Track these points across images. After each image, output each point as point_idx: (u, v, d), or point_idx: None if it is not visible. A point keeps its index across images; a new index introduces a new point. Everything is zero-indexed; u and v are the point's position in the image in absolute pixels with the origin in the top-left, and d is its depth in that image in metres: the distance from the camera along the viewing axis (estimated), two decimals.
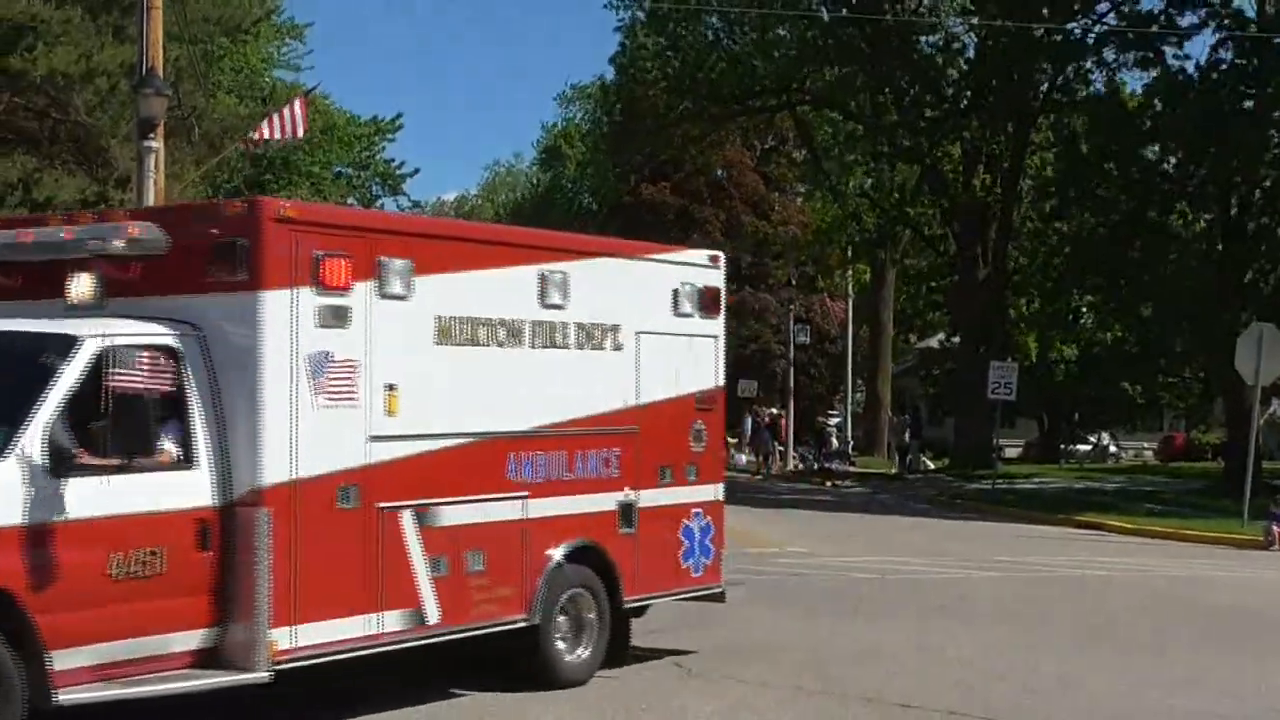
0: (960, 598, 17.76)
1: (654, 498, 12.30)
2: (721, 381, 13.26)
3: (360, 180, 62.72)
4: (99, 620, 8.59)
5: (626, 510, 12.04)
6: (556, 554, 11.35)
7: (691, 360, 12.78)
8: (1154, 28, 38.03)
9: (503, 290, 11.00)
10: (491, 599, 10.84)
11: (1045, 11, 39.95)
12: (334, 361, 9.67)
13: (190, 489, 9.13)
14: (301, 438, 9.43)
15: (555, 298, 11.37)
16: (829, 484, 42.41)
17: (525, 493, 11.12)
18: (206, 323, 9.41)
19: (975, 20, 43.54)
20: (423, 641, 10.37)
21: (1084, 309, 49.47)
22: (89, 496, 8.64)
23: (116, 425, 8.61)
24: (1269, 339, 27.58)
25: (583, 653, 11.71)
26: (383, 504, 9.97)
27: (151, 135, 20.96)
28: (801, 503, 34.86)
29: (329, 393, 9.64)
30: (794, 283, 56.66)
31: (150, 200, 20.23)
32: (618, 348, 11.99)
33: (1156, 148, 37.73)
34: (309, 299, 9.50)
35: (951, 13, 45.56)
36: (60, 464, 8.54)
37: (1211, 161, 35.34)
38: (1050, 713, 11.41)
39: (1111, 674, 12.96)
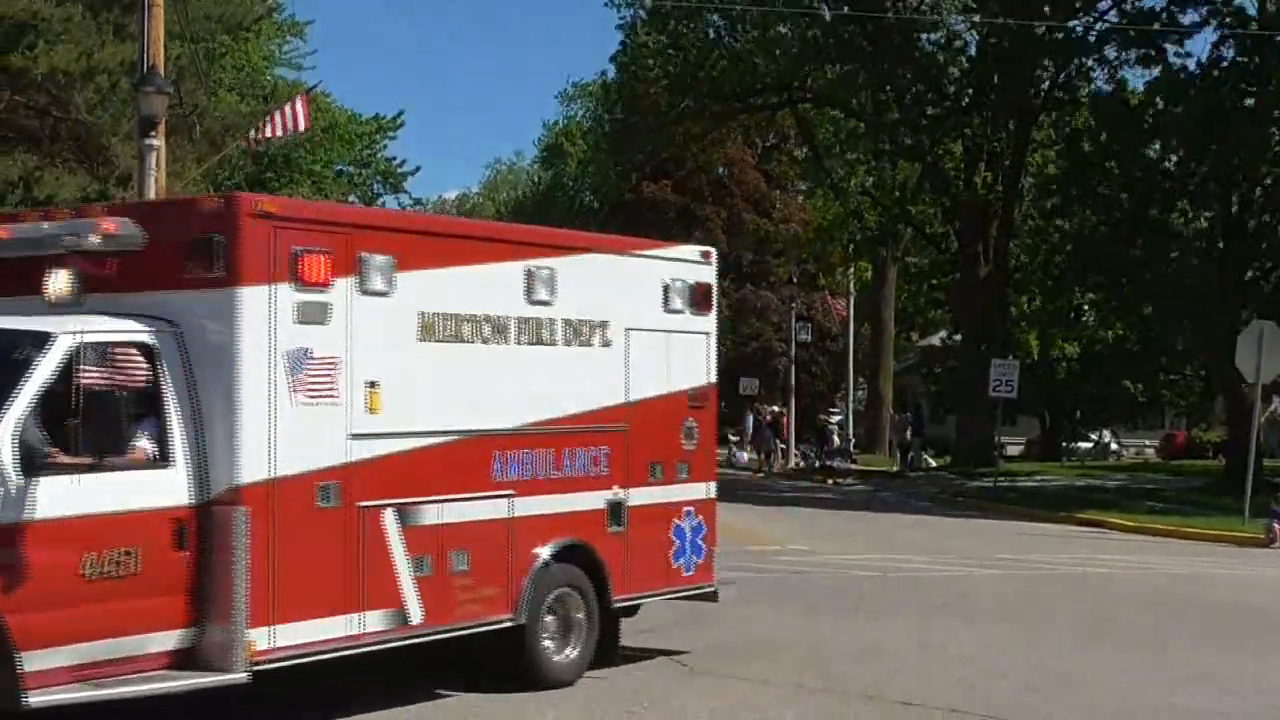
0: (962, 595, 17.73)
1: (644, 496, 12.16)
2: (714, 378, 13.12)
3: (362, 178, 62.64)
4: (72, 621, 8.47)
5: (616, 509, 11.90)
6: (543, 553, 11.21)
7: (683, 357, 12.64)
8: (1155, 25, 37.87)
9: (488, 286, 10.86)
10: (476, 599, 10.71)
11: (1047, 9, 39.83)
12: (314, 358, 9.54)
13: (166, 488, 9.00)
14: (280, 436, 9.31)
15: (542, 294, 11.24)
16: (830, 482, 42.34)
17: (511, 491, 10.98)
18: (184, 319, 9.29)
19: (977, 18, 43.40)
20: (406, 642, 10.25)
21: (1085, 307, 49.37)
22: (61, 495, 8.52)
23: (88, 423, 8.50)
24: (1269, 337, 27.56)
25: (571, 653, 11.57)
26: (364, 503, 9.84)
27: (153, 133, 20.88)
28: (803, 500, 34.77)
29: (308, 390, 9.52)
30: (795, 280, 56.56)
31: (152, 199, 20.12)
32: (606, 344, 11.85)
33: (1158, 145, 37.56)
34: (287, 295, 9.38)
35: (953, 10, 45.46)
36: (31, 462, 8.43)
37: (1212, 159, 35.24)
38: (1052, 710, 11.37)
39: (1113, 671, 12.92)
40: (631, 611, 12.71)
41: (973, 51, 45.08)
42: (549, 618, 11.39)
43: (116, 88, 30.29)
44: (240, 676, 9.05)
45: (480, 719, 10.59)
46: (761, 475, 45.68)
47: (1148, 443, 60.42)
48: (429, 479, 10.35)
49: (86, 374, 8.71)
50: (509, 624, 10.97)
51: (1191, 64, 37.58)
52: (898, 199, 48.31)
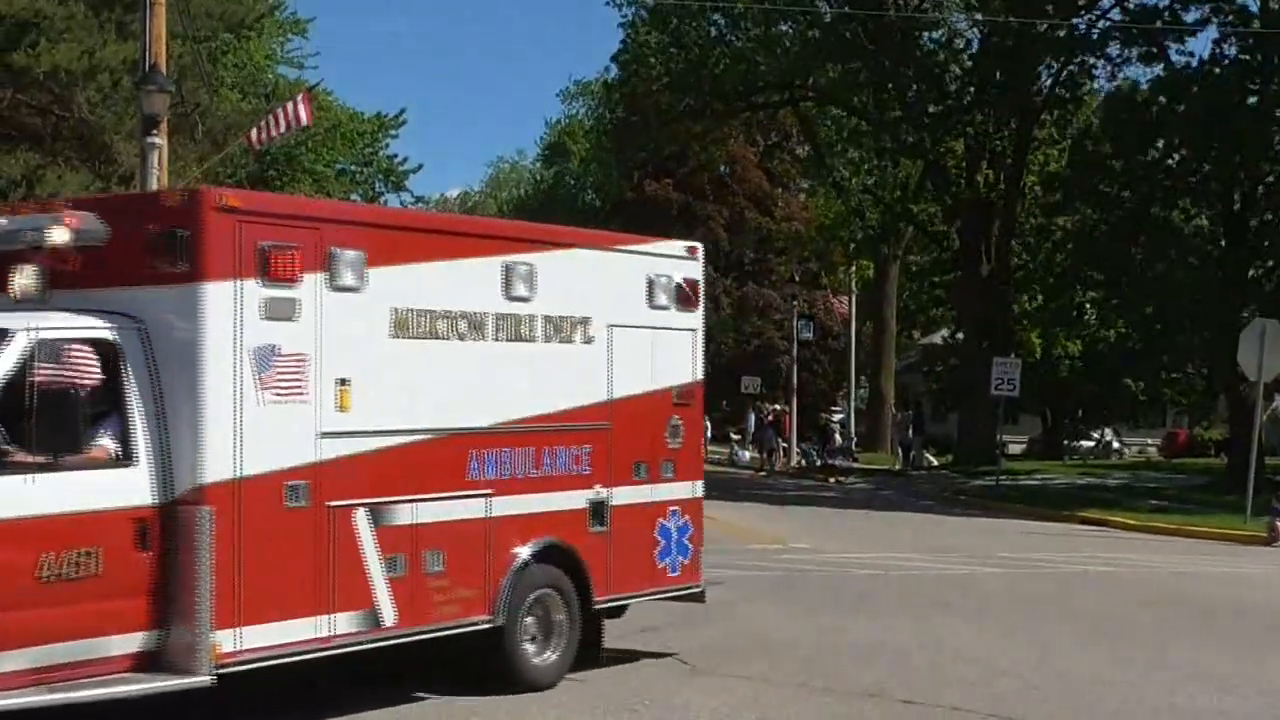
0: (963, 594, 17.70)
1: (628, 495, 11.97)
2: (700, 376, 12.93)
3: (364, 177, 62.48)
4: (30, 623, 8.28)
5: (598, 508, 11.71)
6: (522, 553, 11.02)
7: (668, 354, 12.44)
8: (1158, 23, 37.70)
9: (464, 282, 10.68)
10: (453, 600, 10.52)
11: (1049, 8, 39.71)
12: (281, 355, 9.36)
13: (128, 487, 8.82)
14: (246, 434, 9.13)
15: (521, 289, 11.04)
16: (832, 480, 42.24)
17: (489, 490, 10.79)
18: (148, 315, 9.12)
19: (978, 16, 43.26)
20: (379, 644, 10.06)
21: (1087, 305, 49.29)
22: (15, 495, 8.33)
23: (45, 421, 8.33)
24: (1271, 335, 27.57)
25: (551, 655, 11.38)
26: (335, 503, 9.65)
27: (155, 132, 20.85)
28: (805, 499, 34.74)
29: (276, 388, 9.34)
30: (797, 279, 56.50)
31: None
32: (588, 341, 11.66)
33: (1160, 144, 37.40)
34: (254, 291, 9.20)
35: (955, 8, 45.30)
36: None
37: (1215, 157, 35.07)
38: (1053, 709, 11.33)
39: (1114, 670, 12.89)
40: (618, 612, 12.54)
41: (974, 49, 44.96)
42: (529, 619, 11.19)
43: (119, 86, 30.25)
44: (204, 679, 8.86)
45: (483, 716, 10.49)
46: (763, 474, 45.62)
47: (1150, 441, 60.44)
48: (403, 478, 10.16)
49: (43, 371, 8.54)
50: (487, 625, 10.78)
51: (1194, 62, 37.46)
52: (899, 197, 48.26)
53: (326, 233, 9.71)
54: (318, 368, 9.59)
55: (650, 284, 12.29)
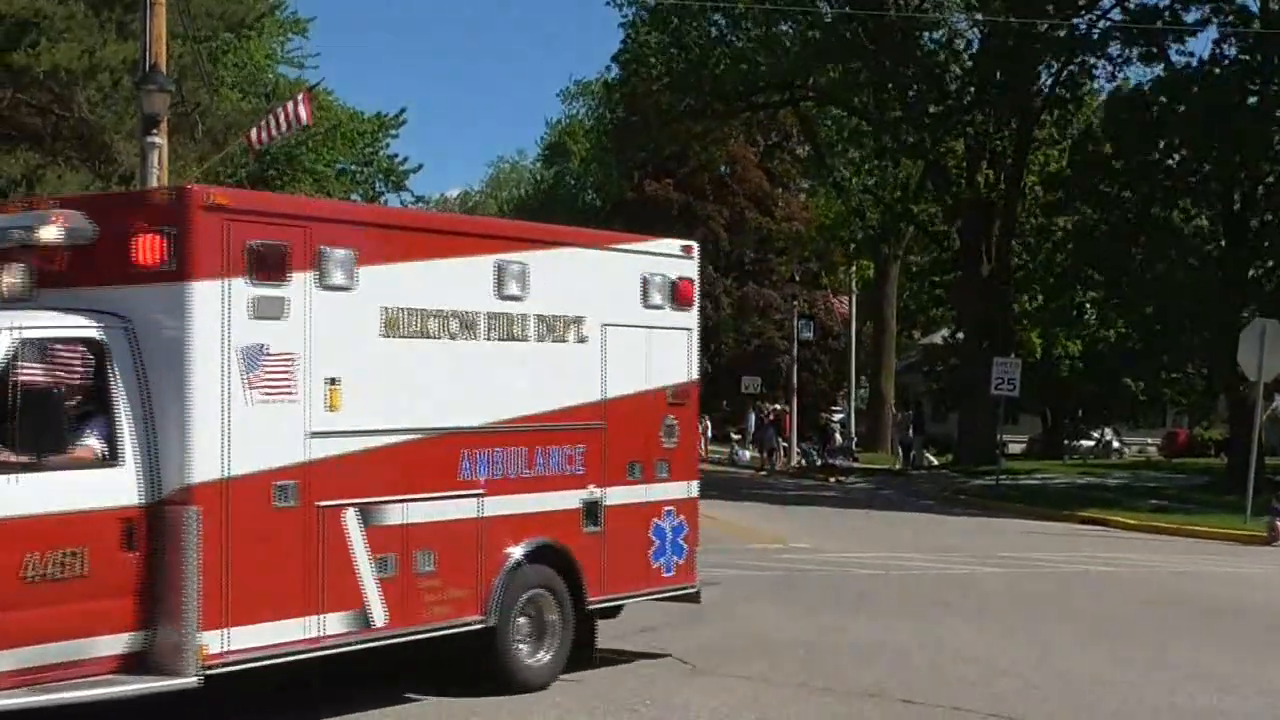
0: (964, 593, 17.70)
1: (622, 495, 11.90)
2: (696, 375, 12.89)
3: (364, 176, 62.44)
4: (14, 624, 8.21)
5: (592, 508, 11.64)
6: (515, 554, 10.95)
7: (663, 353, 12.38)
8: (1158, 23, 37.65)
9: (456, 281, 10.60)
10: (444, 600, 10.45)
11: (1050, 7, 39.68)
12: (270, 355, 9.29)
13: (114, 487, 8.75)
14: (234, 434, 9.06)
15: (513, 289, 10.97)
16: (833, 480, 42.21)
17: (481, 490, 10.72)
18: (136, 315, 9.05)
19: (979, 16, 43.20)
20: (369, 645, 9.98)
21: (1087, 305, 49.28)
22: (0, 495, 8.29)
23: (29, 421, 8.27)
24: (1271, 335, 27.55)
25: (544, 656, 11.31)
26: (324, 502, 9.58)
27: (155, 131, 20.82)
28: (805, 499, 34.74)
29: (264, 387, 9.27)
30: (798, 279, 56.51)
31: None
32: (582, 340, 11.59)
33: (1161, 144, 37.34)
34: (242, 290, 9.13)
35: (955, 8, 45.23)
36: None
37: (1215, 157, 35.03)
38: (1053, 708, 11.31)
39: (1114, 669, 12.88)
40: (613, 613, 12.48)
41: (975, 49, 44.90)
42: (521, 619, 11.12)
43: (119, 86, 30.25)
44: (191, 681, 8.79)
45: (483, 717, 10.45)
46: (764, 473, 45.61)
47: (1150, 441, 60.43)
48: (393, 478, 10.09)
49: (28, 370, 8.49)
50: (479, 626, 10.71)
51: (1193, 62, 37.41)
52: (900, 197, 48.18)
53: (316, 231, 9.63)
54: (307, 367, 9.52)
55: (645, 283, 12.22)
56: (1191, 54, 38.06)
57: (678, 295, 12.55)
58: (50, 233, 9.15)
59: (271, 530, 9.30)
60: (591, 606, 11.73)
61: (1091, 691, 11.89)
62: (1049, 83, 43.43)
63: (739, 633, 14.20)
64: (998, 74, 42.44)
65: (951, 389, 51.70)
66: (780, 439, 48.35)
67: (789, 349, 53.25)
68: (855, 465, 45.79)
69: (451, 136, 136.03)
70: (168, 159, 22.13)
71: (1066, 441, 56.47)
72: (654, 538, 12.34)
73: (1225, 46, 36.39)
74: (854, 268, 56.08)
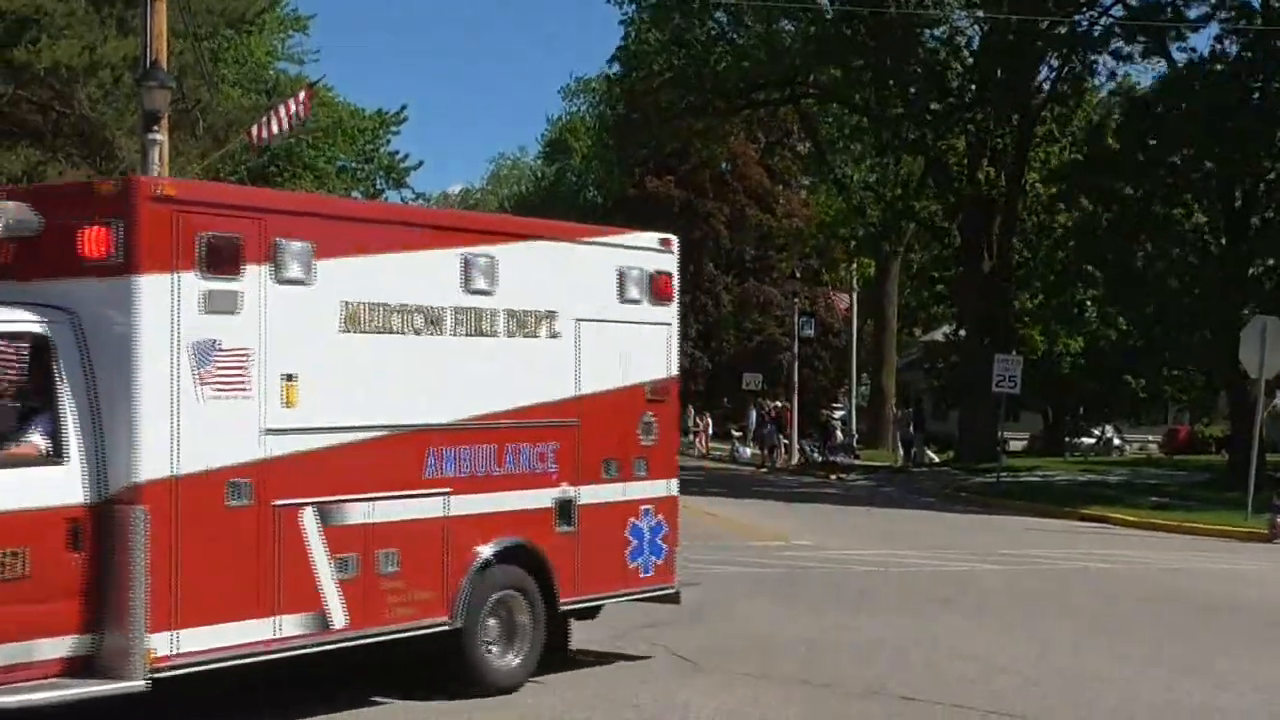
0: (963, 591, 17.67)
1: (597, 494, 11.66)
2: (675, 372, 12.61)
3: (365, 173, 62.27)
4: None
5: (565, 507, 11.40)
6: (484, 554, 10.71)
7: (640, 349, 12.12)
8: (1160, 21, 37.44)
9: (420, 275, 10.37)
10: (408, 601, 10.21)
11: (1050, 4, 39.50)
12: (222, 350, 9.07)
13: (59, 486, 8.52)
14: (184, 431, 8.83)
15: (481, 283, 10.73)
16: (833, 477, 42.18)
17: (447, 489, 10.49)
18: (83, 308, 8.83)
19: (980, 13, 43.01)
20: (329, 647, 9.75)
21: (1088, 303, 49.18)
22: None
23: None
24: (1273, 332, 27.58)
25: (514, 659, 11.06)
26: (280, 501, 9.36)
27: (156, 128, 20.70)
28: (806, 496, 34.75)
29: (217, 383, 9.04)
30: (798, 276, 56.42)
31: None
32: (554, 336, 11.35)
33: (1163, 142, 37.16)
34: (192, 284, 8.90)
35: (956, 5, 45.04)
36: None
37: (1217, 155, 34.90)
38: (1052, 705, 11.28)
39: (1113, 666, 12.87)
40: (591, 614, 12.28)
41: (976, 46, 44.70)
42: (491, 621, 10.88)
43: (120, 82, 30.18)
44: (138, 684, 8.56)
45: (485, 712, 10.34)
46: (765, 471, 45.65)
47: (1150, 438, 60.51)
48: (354, 476, 9.85)
49: None
50: (445, 627, 10.49)
51: (1196, 59, 37.25)
52: (900, 194, 48.02)
53: (271, 223, 9.40)
54: (262, 363, 9.29)
55: (621, 277, 11.98)
56: (1194, 49, 37.99)
57: (656, 289, 12.28)
58: None
59: (224, 530, 9.07)
60: (565, 608, 11.51)
61: (1090, 688, 11.86)
62: (1050, 80, 43.33)
63: (740, 630, 14.17)
64: (999, 71, 42.30)
65: (952, 386, 51.63)
66: (781, 436, 48.31)
67: (790, 346, 53.18)
68: (856, 462, 45.82)
69: (452, 134, 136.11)
70: (169, 156, 22.05)
71: (1067, 439, 56.54)
72: (631, 537, 12.09)
73: (1226, 44, 36.31)
74: (855, 265, 55.94)
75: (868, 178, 51.84)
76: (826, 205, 56.74)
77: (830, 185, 52.55)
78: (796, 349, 51.77)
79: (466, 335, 10.67)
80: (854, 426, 52.05)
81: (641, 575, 12.19)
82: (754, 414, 50.91)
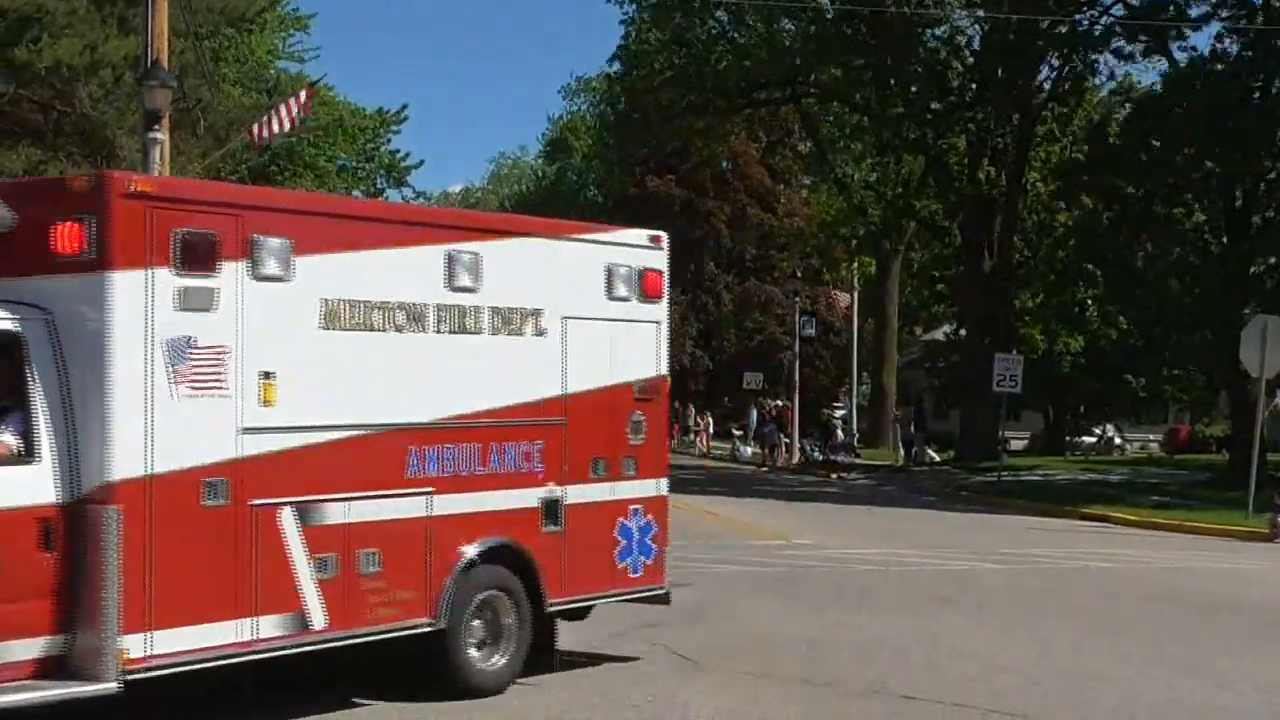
0: (964, 590, 17.68)
1: (584, 493, 11.53)
2: (664, 370, 12.48)
3: (365, 172, 62.22)
4: None
5: (551, 507, 11.27)
6: (467, 554, 10.56)
7: (629, 347, 11.98)
8: (1154, 20, 37.34)
9: (403, 272, 10.23)
10: (390, 602, 10.08)
11: (1051, 3, 39.37)
12: (198, 348, 8.94)
13: (30, 485, 8.39)
14: (158, 430, 8.70)
15: (465, 280, 10.60)
16: (834, 476, 42.11)
17: (429, 488, 10.35)
18: (56, 306, 8.72)
19: (980, 12, 42.91)
20: (309, 648, 9.62)
21: (1089, 302, 49.12)
22: None
23: None
24: (1273, 331, 27.61)
25: (499, 660, 10.93)
26: (257, 501, 9.23)
27: (157, 127, 20.69)
28: (807, 495, 34.79)
29: (192, 381, 8.91)
30: (799, 275, 56.40)
31: None
32: (540, 333, 11.22)
33: (1164, 141, 37.08)
34: (167, 280, 8.78)
35: (956, 5, 44.94)
36: None
37: (1218, 154, 34.85)
38: (1053, 705, 11.28)
39: (1114, 665, 12.89)
40: (582, 614, 12.16)
41: (976, 46, 44.61)
42: (476, 622, 10.75)
43: (121, 81, 30.20)
44: (110, 686, 8.43)
45: (485, 712, 10.31)
46: (765, 470, 45.65)
47: (1151, 437, 60.58)
48: (334, 476, 9.72)
49: None
50: (428, 628, 10.35)
51: (1196, 58, 37.16)
52: (901, 193, 47.96)
53: (249, 220, 9.28)
54: (239, 361, 9.17)
55: (609, 274, 11.84)
56: (1194, 48, 37.90)
57: (645, 287, 12.14)
58: None
59: (199, 529, 8.95)
60: (551, 608, 11.37)
61: (1091, 687, 11.85)
62: (1050, 79, 43.34)
63: (740, 629, 14.16)
64: (999, 71, 42.21)
65: (953, 385, 51.60)
66: (782, 435, 48.24)
67: (791, 345, 53.12)
68: (857, 461, 45.77)
69: (453, 134, 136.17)
70: (170, 155, 22.05)
71: (1068, 438, 56.53)
72: (620, 537, 11.96)
73: (1227, 42, 36.27)
74: (855, 264, 55.91)
75: (868, 177, 51.80)
76: (827, 204, 56.71)
77: (831, 184, 52.52)
78: (797, 348, 51.71)
79: (450, 333, 10.54)
80: (855, 425, 51.99)
81: (630, 575, 12.06)
82: (755, 413, 50.85)
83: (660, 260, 12.40)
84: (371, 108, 60.57)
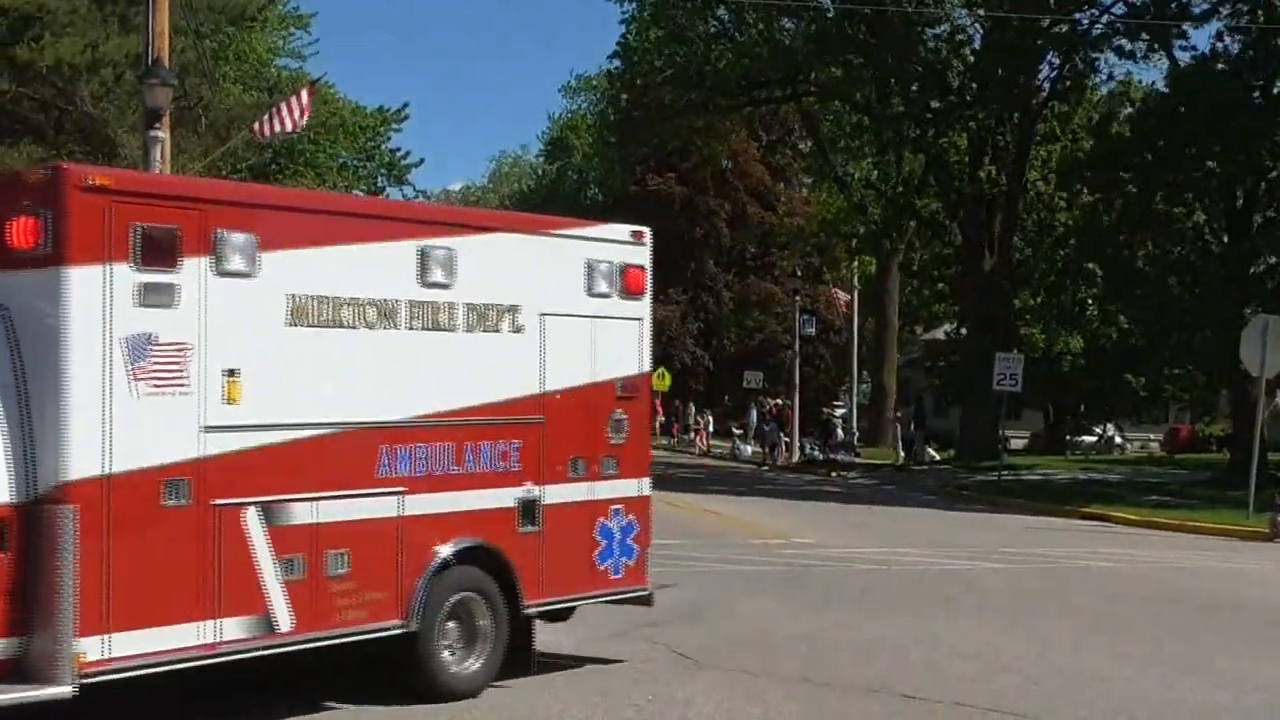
0: (965, 589, 17.67)
1: (563, 493, 11.36)
2: (647, 367, 12.31)
3: (366, 171, 62.09)
4: None
5: (529, 507, 11.10)
6: (440, 555, 10.41)
7: (610, 344, 11.82)
8: (1150, 18, 37.16)
9: (373, 267, 10.07)
10: (359, 604, 9.90)
11: (1051, 2, 39.18)
12: (159, 344, 8.79)
13: None
14: (117, 428, 8.55)
15: (438, 275, 10.43)
16: (834, 475, 41.96)
17: (401, 488, 10.19)
18: (13, 301, 8.57)
19: (981, 11, 42.75)
20: (275, 650, 9.45)
21: (1089, 301, 48.94)
22: None
23: None
24: (1274, 331, 27.60)
25: (474, 663, 10.77)
26: (220, 500, 9.07)
27: (158, 125, 20.63)
28: (807, 494, 34.78)
29: (153, 379, 8.76)
30: (799, 274, 56.29)
31: None
32: (517, 330, 11.04)
33: (1166, 140, 36.92)
34: (126, 276, 8.63)
35: (957, 4, 44.78)
36: None
37: (1219, 153, 34.72)
38: (1054, 704, 11.25)
39: (1113, 665, 12.89)
40: (564, 615, 12.01)
41: (977, 45, 44.46)
42: (450, 624, 10.60)
43: (121, 80, 30.27)
44: (65, 690, 8.27)
45: (484, 712, 10.26)
46: (765, 468, 45.51)
47: (1152, 437, 60.55)
48: (301, 475, 9.56)
49: None
50: (399, 630, 10.19)
51: (1198, 56, 36.96)
52: (901, 192, 47.83)
53: (212, 214, 9.12)
54: (202, 358, 9.02)
55: (589, 270, 11.68)
56: (1194, 47, 37.74)
57: (626, 283, 11.97)
58: None
59: (160, 530, 8.79)
60: (529, 610, 11.18)
61: (1091, 687, 11.82)
62: (1051, 78, 43.20)
63: (741, 628, 14.14)
64: (1000, 70, 42.04)
65: (953, 384, 51.52)
66: (782, 434, 48.08)
67: (791, 344, 52.99)
68: (857, 460, 45.72)
69: (453, 132, 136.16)
70: (171, 153, 22.01)
71: (1068, 437, 56.44)
72: (600, 538, 11.79)
73: (1228, 41, 36.10)
74: (856, 263, 55.80)
75: (869, 175, 51.66)
76: (828, 203, 56.62)
77: (831, 183, 52.45)
78: (798, 347, 51.58)
79: (423, 329, 10.37)
80: (855, 424, 51.92)
81: (611, 576, 11.90)
82: (755, 412, 50.74)
83: (643, 256, 12.23)
84: (372, 106, 60.52)
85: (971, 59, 44.05)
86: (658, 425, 53.00)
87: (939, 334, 60.34)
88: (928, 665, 12.52)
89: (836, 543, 22.55)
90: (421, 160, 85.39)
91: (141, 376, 8.70)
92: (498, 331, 10.91)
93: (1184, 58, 37.35)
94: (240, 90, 46.86)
